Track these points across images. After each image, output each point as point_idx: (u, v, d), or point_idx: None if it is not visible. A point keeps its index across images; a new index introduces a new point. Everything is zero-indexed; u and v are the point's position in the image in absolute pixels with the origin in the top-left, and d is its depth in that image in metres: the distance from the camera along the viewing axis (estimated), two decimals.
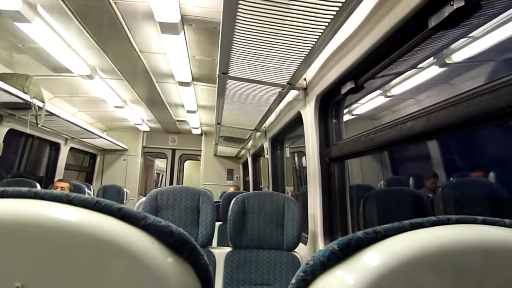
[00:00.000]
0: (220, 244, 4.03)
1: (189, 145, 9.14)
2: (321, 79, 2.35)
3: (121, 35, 3.37)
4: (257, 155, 6.05)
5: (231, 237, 2.46)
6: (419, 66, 3.35)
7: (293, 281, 0.47)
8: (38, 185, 4.25)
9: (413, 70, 3.48)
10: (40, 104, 3.95)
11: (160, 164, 12.06)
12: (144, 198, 2.78)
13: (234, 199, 2.53)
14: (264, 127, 4.52)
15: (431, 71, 3.43)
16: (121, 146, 8.15)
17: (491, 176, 3.77)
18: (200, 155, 8.89)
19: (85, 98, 5.83)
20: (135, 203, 7.55)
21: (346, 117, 3.15)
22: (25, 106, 3.82)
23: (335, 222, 2.45)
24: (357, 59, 1.80)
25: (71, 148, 6.52)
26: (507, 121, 1.31)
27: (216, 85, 2.86)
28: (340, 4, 1.48)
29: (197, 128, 7.92)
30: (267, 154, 4.66)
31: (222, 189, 7.53)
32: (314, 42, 1.88)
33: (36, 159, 6.31)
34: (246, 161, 7.13)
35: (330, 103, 2.48)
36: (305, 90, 2.69)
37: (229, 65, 2.35)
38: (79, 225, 0.43)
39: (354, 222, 2.50)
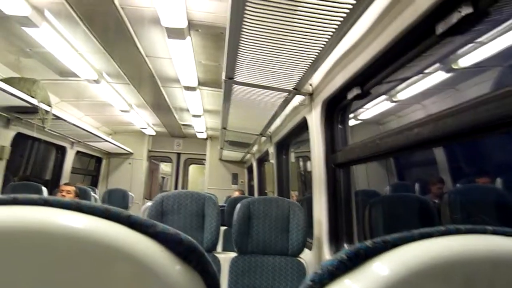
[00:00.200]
0: (225, 248, 4.03)
1: (194, 149, 9.16)
2: (327, 85, 2.35)
3: (127, 40, 3.39)
4: (262, 159, 6.05)
5: (236, 242, 2.45)
6: (426, 71, 3.35)
7: None
8: (44, 189, 4.27)
9: (420, 75, 3.48)
10: (47, 108, 3.98)
11: (165, 167, 12.09)
12: (149, 203, 2.78)
13: (239, 204, 2.53)
14: (269, 132, 4.52)
15: (437, 76, 3.42)
16: (126, 150, 8.17)
17: (498, 182, 3.75)
18: (205, 159, 8.91)
19: (91, 102, 5.86)
20: (140, 206, 7.57)
21: (351, 122, 3.14)
22: (32, 110, 3.85)
23: (340, 227, 2.43)
24: (364, 65, 1.80)
25: (77, 152, 6.55)
26: None
27: (222, 90, 2.86)
28: (347, 11, 1.48)
29: (202, 132, 7.94)
30: (272, 159, 4.65)
31: (227, 193, 7.53)
32: (320, 48, 1.88)
33: (42, 162, 6.35)
34: (251, 166, 7.12)
35: (336, 108, 2.47)
36: (311, 95, 2.69)
37: (235, 70, 2.36)
38: (88, 232, 0.43)
39: (360, 227, 2.49)
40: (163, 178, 12.93)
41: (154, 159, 9.78)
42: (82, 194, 4.23)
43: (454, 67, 3.16)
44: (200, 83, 4.59)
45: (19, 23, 2.94)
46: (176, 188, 9.22)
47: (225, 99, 3.08)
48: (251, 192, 7.91)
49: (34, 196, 0.45)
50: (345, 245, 2.41)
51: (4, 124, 4.25)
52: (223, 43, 2.06)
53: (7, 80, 3.42)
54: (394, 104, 4.42)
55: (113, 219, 0.45)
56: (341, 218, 2.44)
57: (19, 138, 4.55)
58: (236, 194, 5.90)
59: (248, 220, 2.48)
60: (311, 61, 2.05)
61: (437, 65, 3.22)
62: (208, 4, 2.72)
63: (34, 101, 3.72)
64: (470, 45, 2.80)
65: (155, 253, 0.45)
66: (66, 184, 3.98)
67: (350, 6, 1.45)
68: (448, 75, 3.36)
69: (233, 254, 2.49)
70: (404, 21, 1.38)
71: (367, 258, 0.47)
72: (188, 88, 4.65)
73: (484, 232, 0.51)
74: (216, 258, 2.40)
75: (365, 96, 2.05)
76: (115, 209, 0.46)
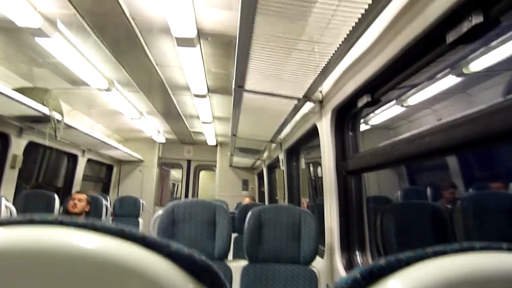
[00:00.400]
0: (236, 255, 4.03)
1: (204, 156, 9.20)
2: (337, 92, 2.34)
3: (138, 49, 3.42)
4: (272, 166, 6.05)
5: (248, 251, 2.45)
6: (437, 77, 3.33)
7: None
8: (56, 197, 4.31)
9: (430, 81, 3.46)
10: (59, 117, 4.02)
11: (176, 174, 12.12)
12: (161, 211, 2.79)
13: (250, 212, 2.53)
14: (280, 138, 4.52)
15: (448, 81, 3.40)
16: (137, 157, 8.22)
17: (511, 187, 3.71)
18: (215, 166, 8.92)
19: (102, 110, 5.92)
20: (151, 214, 7.58)
21: (361, 127, 3.14)
22: (45, 119, 3.89)
23: (352, 235, 2.42)
24: (374, 73, 1.79)
25: (88, 160, 6.60)
26: None
27: (232, 98, 2.87)
28: (357, 19, 1.48)
29: (212, 139, 7.97)
30: (282, 166, 4.65)
31: (237, 199, 7.53)
32: (331, 56, 1.88)
33: (54, 170, 6.42)
34: (261, 172, 7.12)
35: (346, 116, 2.46)
36: (321, 102, 2.69)
37: (245, 78, 2.37)
38: (103, 253, 0.43)
39: (372, 235, 2.48)
40: (174, 184, 12.96)
41: (165, 165, 9.82)
42: (93, 202, 4.25)
43: (465, 71, 3.13)
44: (210, 91, 4.61)
45: (32, 33, 2.99)
46: (187, 195, 9.25)
47: (235, 107, 3.09)
48: (261, 199, 7.90)
49: (50, 217, 0.46)
50: (357, 253, 2.39)
51: (17, 133, 4.30)
52: (232, 51, 2.07)
53: (20, 90, 3.46)
54: (404, 109, 4.39)
55: (128, 239, 0.45)
56: (352, 226, 2.42)
57: (31, 147, 4.61)
58: (247, 200, 5.89)
59: (259, 228, 2.47)
60: (321, 68, 2.05)
61: (448, 70, 3.20)
62: (217, 14, 2.74)
63: (46, 110, 3.77)
64: (481, 50, 2.78)
65: (169, 273, 0.45)
66: (77, 192, 4.01)
67: (360, 15, 1.45)
68: (459, 79, 3.34)
69: (244, 263, 2.49)
70: (414, 30, 1.38)
71: (380, 277, 0.47)
72: (198, 96, 4.67)
73: (500, 249, 0.51)
74: (227, 267, 2.40)
75: (376, 103, 2.04)
76: (130, 229, 0.46)
